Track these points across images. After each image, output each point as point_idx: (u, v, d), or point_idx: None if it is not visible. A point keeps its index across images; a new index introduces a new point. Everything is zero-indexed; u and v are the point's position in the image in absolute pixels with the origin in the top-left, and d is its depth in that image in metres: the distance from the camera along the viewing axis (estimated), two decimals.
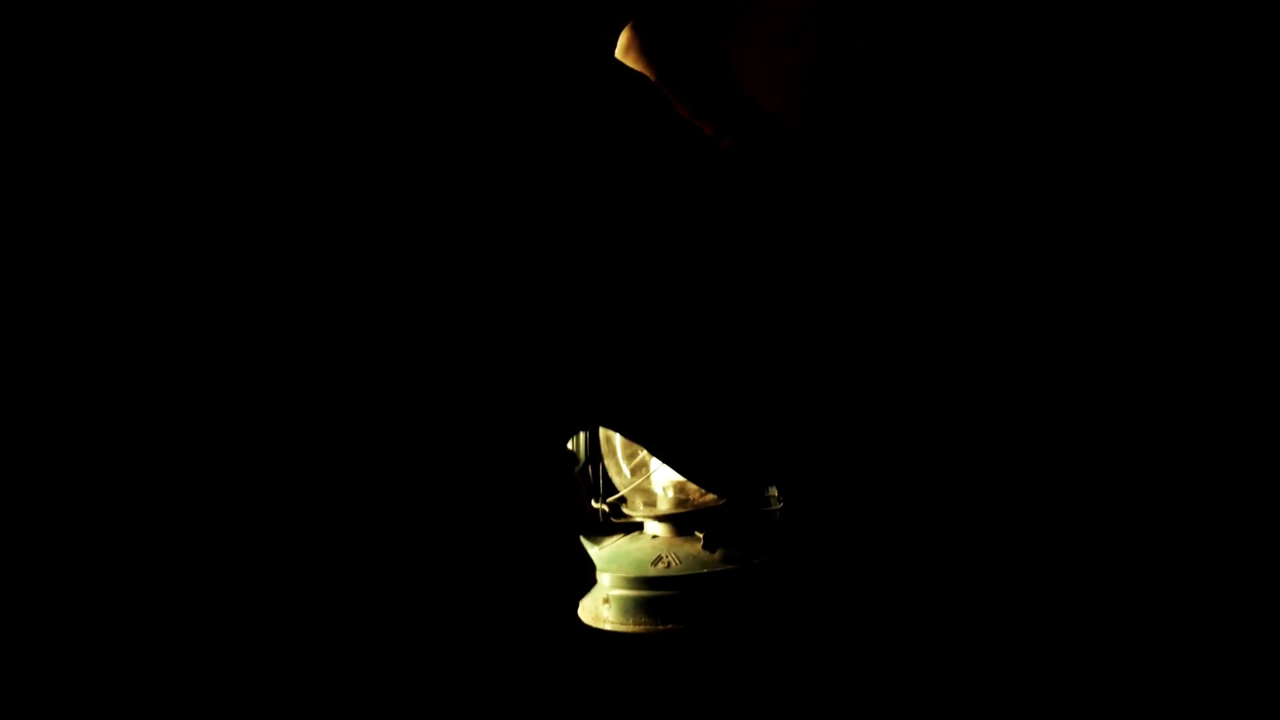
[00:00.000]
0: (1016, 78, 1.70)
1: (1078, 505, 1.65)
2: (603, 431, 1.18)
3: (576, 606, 1.12)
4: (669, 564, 1.07)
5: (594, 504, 1.19)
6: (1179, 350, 1.67)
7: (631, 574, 1.07)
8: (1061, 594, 1.63)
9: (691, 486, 1.13)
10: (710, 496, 1.14)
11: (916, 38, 1.72)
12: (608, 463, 1.17)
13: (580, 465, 1.21)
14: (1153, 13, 1.67)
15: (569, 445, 1.18)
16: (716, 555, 1.08)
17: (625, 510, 1.17)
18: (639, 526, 1.18)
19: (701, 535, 1.11)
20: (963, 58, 1.71)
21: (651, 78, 1.04)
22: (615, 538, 1.18)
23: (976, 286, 1.72)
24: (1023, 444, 1.68)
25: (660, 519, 1.14)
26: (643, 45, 1.07)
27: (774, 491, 1.16)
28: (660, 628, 1.03)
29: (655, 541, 1.13)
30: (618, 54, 1.08)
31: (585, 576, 1.10)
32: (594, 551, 1.15)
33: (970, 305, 1.70)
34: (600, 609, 1.09)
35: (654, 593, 1.04)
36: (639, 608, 1.05)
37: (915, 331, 1.64)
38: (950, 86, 1.70)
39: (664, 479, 1.14)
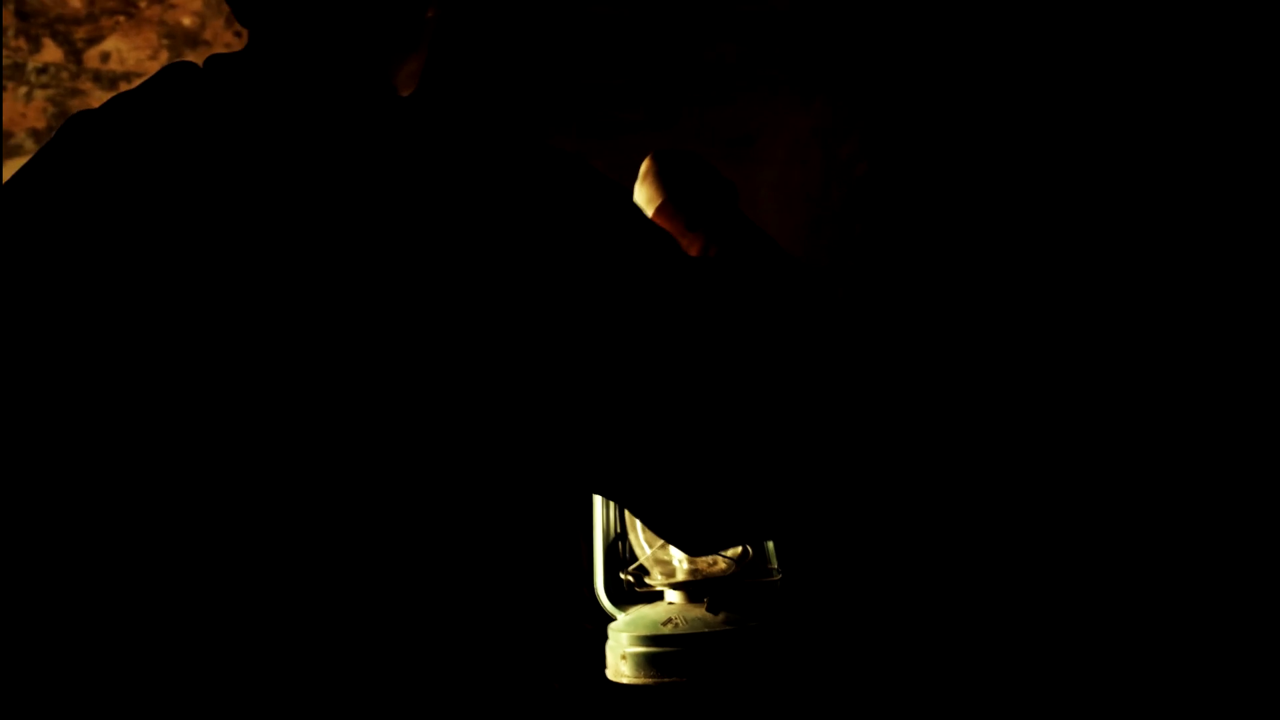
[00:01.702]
0: (1003, 202, 1.88)
1: (1082, 580, 1.77)
2: None
3: (603, 664, 1.29)
4: (676, 625, 1.24)
5: (621, 575, 1.36)
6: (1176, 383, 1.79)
7: (644, 633, 1.24)
8: (1061, 665, 1.74)
9: (702, 558, 1.29)
10: (720, 567, 1.30)
11: (910, 163, 1.91)
12: (631, 536, 1.34)
13: (610, 539, 1.38)
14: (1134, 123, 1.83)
15: (596, 518, 1.35)
16: (719, 618, 1.24)
17: (647, 580, 1.34)
18: (661, 596, 1.35)
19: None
20: (954, 178, 1.90)
21: (660, 197, 1.20)
22: (640, 606, 1.35)
23: (966, 389, 1.87)
24: (1017, 514, 1.81)
25: (674, 586, 1.31)
26: (657, 170, 1.22)
27: (774, 564, 1.32)
28: (664, 679, 1.21)
29: (670, 607, 1.30)
30: (639, 177, 1.24)
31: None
32: (620, 616, 1.32)
33: (961, 407, 1.86)
34: (619, 665, 1.26)
35: (660, 649, 1.22)
36: (648, 662, 1.22)
37: (900, 417, 1.79)
38: (941, 204, 1.89)
39: (680, 551, 1.31)
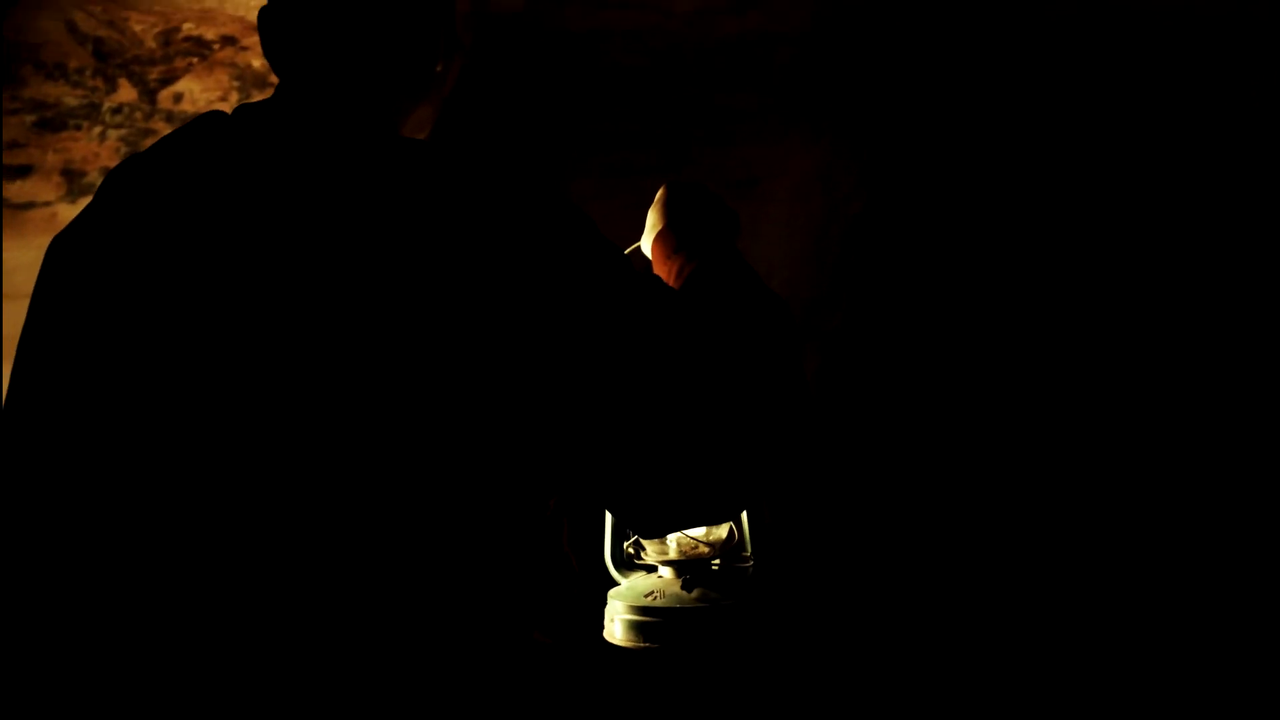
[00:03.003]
0: (983, 237, 2.03)
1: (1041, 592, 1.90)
2: None
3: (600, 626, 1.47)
4: (656, 598, 1.41)
5: (624, 546, 1.52)
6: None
7: (631, 602, 1.41)
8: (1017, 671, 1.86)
9: (683, 539, 1.46)
10: (700, 550, 1.47)
11: (901, 202, 2.08)
12: None
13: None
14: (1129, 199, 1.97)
15: None
16: (693, 595, 1.41)
17: (643, 555, 1.51)
18: (657, 569, 1.52)
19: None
20: (939, 216, 2.06)
21: (661, 223, 1.33)
22: (639, 574, 1.52)
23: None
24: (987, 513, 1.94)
25: (664, 563, 1.47)
26: (665, 200, 1.35)
27: (749, 551, 1.48)
28: (641, 645, 1.38)
29: (658, 580, 1.47)
30: (652, 204, 1.37)
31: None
32: (622, 581, 1.49)
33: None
34: (612, 628, 1.44)
35: (640, 618, 1.40)
36: (630, 628, 1.40)
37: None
38: (927, 238, 2.06)
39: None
